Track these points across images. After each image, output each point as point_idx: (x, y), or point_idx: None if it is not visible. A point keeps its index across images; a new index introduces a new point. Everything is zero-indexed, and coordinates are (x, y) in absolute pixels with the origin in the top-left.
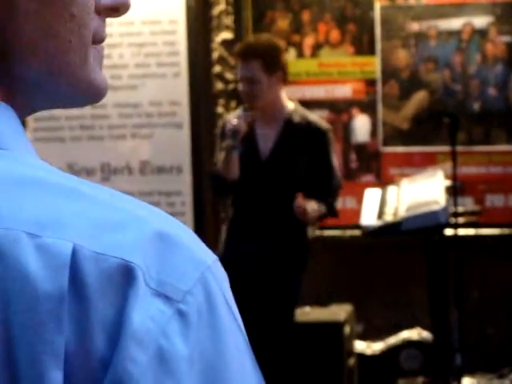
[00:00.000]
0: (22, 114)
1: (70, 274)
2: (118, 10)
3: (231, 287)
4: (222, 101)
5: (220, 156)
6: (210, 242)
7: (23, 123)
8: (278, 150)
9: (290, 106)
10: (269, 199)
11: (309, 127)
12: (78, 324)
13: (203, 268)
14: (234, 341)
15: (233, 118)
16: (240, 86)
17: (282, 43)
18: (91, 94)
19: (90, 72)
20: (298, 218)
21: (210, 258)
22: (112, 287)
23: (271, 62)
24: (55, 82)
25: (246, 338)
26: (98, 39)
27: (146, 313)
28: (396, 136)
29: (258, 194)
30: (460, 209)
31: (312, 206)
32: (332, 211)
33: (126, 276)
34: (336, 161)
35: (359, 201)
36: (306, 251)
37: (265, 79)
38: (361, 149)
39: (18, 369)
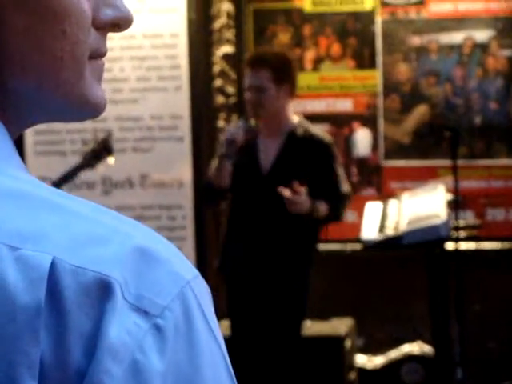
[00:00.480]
0: (18, 127)
1: (47, 286)
2: (119, 26)
3: (232, 300)
4: (223, 114)
5: (213, 163)
6: (211, 256)
7: (20, 136)
8: (279, 162)
9: (295, 119)
10: (268, 213)
11: (311, 140)
12: (55, 336)
13: (182, 283)
14: (210, 358)
15: (232, 128)
16: (247, 95)
17: (293, 57)
18: (88, 109)
19: (87, 88)
20: (289, 209)
21: (190, 273)
22: (89, 300)
23: (281, 73)
24: (47, 97)
25: (226, 355)
26: (98, 54)
27: (122, 326)
28: (397, 150)
29: (257, 206)
30: (461, 223)
31: (301, 198)
32: (336, 215)
33: (103, 290)
34: (343, 174)
35: (360, 214)
36: (308, 266)
37: (273, 89)
38: (362, 162)
39: None
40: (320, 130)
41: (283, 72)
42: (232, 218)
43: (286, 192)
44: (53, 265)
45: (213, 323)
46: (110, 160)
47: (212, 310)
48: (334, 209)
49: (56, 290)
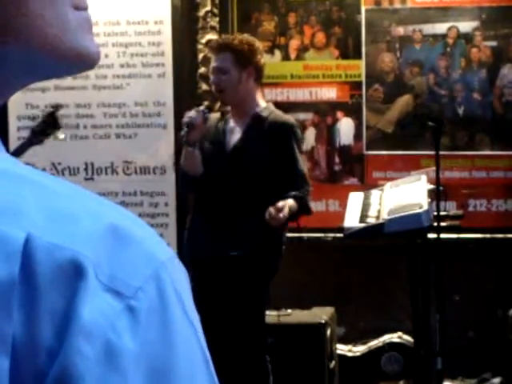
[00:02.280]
0: (6, 91)
1: (21, 261)
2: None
3: (196, 284)
4: (206, 102)
5: (182, 153)
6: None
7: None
8: (242, 142)
9: (262, 104)
10: (233, 192)
11: (274, 121)
12: (27, 313)
13: (157, 264)
14: (184, 340)
15: (190, 113)
16: (211, 78)
17: (259, 44)
18: (80, 61)
19: (76, 40)
20: (271, 225)
21: (164, 254)
22: (63, 278)
23: (243, 56)
24: (35, 56)
25: (201, 338)
26: (82, 7)
27: (95, 307)
28: (380, 139)
29: (222, 187)
30: (442, 213)
31: (283, 209)
32: (305, 208)
33: (77, 269)
34: (302, 160)
35: (342, 204)
36: (277, 252)
37: (235, 72)
38: (345, 152)
39: None
40: (285, 114)
41: (246, 56)
42: (198, 200)
43: (271, 210)
44: (27, 240)
45: (188, 305)
46: (60, 135)
47: (188, 292)
48: (302, 204)
49: (30, 266)
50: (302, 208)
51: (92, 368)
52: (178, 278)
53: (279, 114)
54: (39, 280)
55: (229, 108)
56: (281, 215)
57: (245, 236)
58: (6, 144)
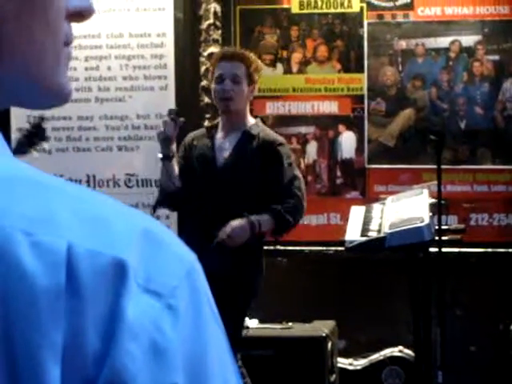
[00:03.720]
0: None
1: (66, 270)
2: (83, 16)
3: None
4: (208, 114)
5: (160, 169)
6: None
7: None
8: (232, 159)
9: (252, 120)
10: (220, 209)
11: (263, 139)
12: (74, 320)
13: (188, 265)
14: (215, 336)
15: (162, 125)
16: (218, 84)
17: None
18: (60, 97)
19: (62, 75)
20: (228, 245)
21: (191, 255)
22: (105, 284)
23: (252, 72)
24: (28, 84)
25: (225, 334)
26: (68, 42)
27: (138, 308)
28: (382, 153)
29: (209, 204)
30: (444, 227)
31: (233, 225)
32: (282, 221)
33: (117, 273)
34: (290, 176)
35: (344, 217)
36: (258, 272)
37: (245, 84)
38: (346, 165)
39: (17, 364)
40: (274, 133)
41: (254, 72)
42: (186, 214)
43: (221, 234)
44: (69, 249)
45: (212, 302)
46: (43, 146)
47: (209, 290)
48: (279, 218)
49: (74, 274)
50: (279, 221)
51: (142, 368)
52: (203, 279)
53: (269, 133)
54: (83, 287)
55: (215, 123)
56: (224, 235)
57: (228, 253)
58: None
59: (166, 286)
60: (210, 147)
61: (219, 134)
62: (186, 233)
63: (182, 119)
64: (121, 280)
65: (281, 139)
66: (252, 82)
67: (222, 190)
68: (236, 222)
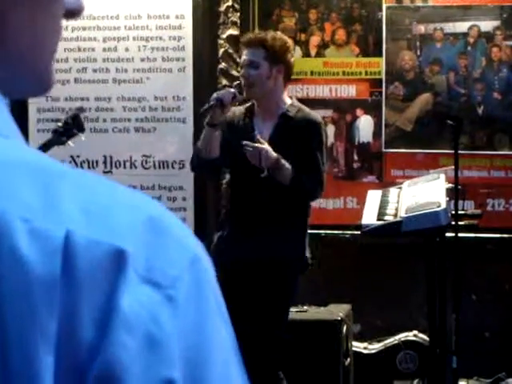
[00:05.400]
0: None
1: (62, 258)
2: (74, 14)
3: (225, 283)
4: (237, 81)
5: (202, 133)
6: (211, 239)
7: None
8: (273, 143)
9: (288, 101)
10: (262, 195)
11: (300, 120)
12: (69, 309)
13: (192, 255)
14: (218, 328)
15: (220, 91)
16: (241, 72)
17: (290, 42)
18: (45, 88)
19: (51, 68)
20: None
21: (197, 245)
22: (102, 273)
23: (275, 53)
24: (23, 75)
25: (231, 326)
26: (59, 37)
27: (135, 299)
28: (399, 137)
29: (252, 188)
30: (461, 212)
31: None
32: (298, 184)
33: (116, 262)
34: (321, 159)
35: (360, 201)
36: (303, 250)
37: (266, 67)
38: (364, 149)
39: (9, 352)
40: (311, 111)
41: (277, 53)
42: (231, 198)
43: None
44: (67, 237)
45: (219, 295)
46: (81, 137)
47: (216, 282)
48: (297, 178)
49: (70, 263)
50: (295, 183)
51: (136, 359)
52: (210, 269)
53: (306, 112)
54: (80, 276)
55: (251, 103)
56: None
57: (273, 235)
58: (25, 136)
59: (167, 276)
60: (250, 129)
61: (258, 117)
62: (228, 222)
63: (241, 96)
64: (119, 270)
65: (316, 118)
66: (277, 63)
67: (264, 177)
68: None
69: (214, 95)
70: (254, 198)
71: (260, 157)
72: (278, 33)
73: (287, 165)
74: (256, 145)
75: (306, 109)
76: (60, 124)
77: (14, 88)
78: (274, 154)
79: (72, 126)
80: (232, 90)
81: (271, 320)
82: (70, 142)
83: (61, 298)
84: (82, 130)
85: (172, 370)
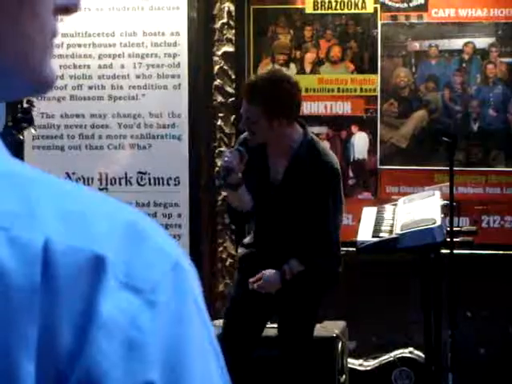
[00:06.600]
0: None
1: (41, 266)
2: (68, 10)
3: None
4: (221, 114)
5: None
6: (206, 255)
7: None
8: (285, 189)
9: (299, 138)
10: (281, 226)
11: (312, 165)
12: (49, 317)
13: (172, 260)
14: (198, 334)
15: (227, 156)
16: (241, 122)
17: (295, 82)
18: (45, 86)
19: (47, 67)
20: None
21: (178, 251)
22: (82, 280)
23: (272, 108)
24: (16, 76)
25: (213, 333)
26: (54, 35)
27: (114, 305)
28: (394, 154)
29: (271, 219)
30: (456, 228)
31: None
32: (313, 266)
33: (95, 268)
34: (336, 206)
35: (356, 218)
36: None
37: (264, 123)
38: (359, 166)
39: None
40: (325, 153)
41: (275, 107)
42: (256, 225)
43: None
44: (46, 244)
45: (201, 301)
46: (32, 130)
47: (199, 290)
48: (312, 264)
49: (50, 270)
50: (310, 266)
51: (116, 364)
52: (191, 275)
53: (317, 154)
54: (60, 283)
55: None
56: (255, 286)
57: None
58: (21, 153)
59: (148, 281)
60: (265, 166)
61: (271, 158)
62: (252, 247)
63: (245, 153)
64: (98, 276)
65: (328, 161)
66: (276, 116)
67: (276, 209)
68: (268, 273)
69: (223, 163)
70: (279, 232)
71: (266, 290)
72: (276, 78)
73: (294, 264)
74: (256, 285)
75: (320, 146)
76: (10, 119)
77: (8, 92)
78: (277, 278)
79: (23, 120)
80: (236, 148)
81: (297, 338)
82: (20, 136)
83: (41, 306)
84: (31, 123)
85: (152, 373)
